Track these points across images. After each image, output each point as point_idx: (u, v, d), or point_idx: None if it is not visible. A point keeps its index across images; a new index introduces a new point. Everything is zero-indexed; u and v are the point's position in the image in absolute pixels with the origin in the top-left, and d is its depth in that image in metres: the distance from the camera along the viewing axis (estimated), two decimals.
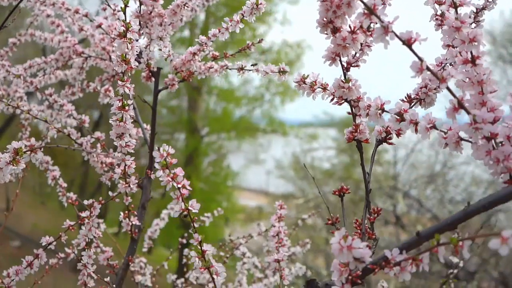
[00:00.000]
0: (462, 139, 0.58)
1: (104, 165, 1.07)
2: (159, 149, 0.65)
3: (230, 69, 1.03)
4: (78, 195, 1.14)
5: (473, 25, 0.76)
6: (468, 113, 0.54)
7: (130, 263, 1.04)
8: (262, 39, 1.08)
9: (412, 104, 0.73)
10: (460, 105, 0.54)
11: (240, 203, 11.58)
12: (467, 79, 0.58)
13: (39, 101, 1.36)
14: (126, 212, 1.02)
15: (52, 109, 1.25)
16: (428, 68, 0.53)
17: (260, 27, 11.45)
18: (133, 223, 1.03)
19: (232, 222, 10.83)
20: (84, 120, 1.15)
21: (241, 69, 1.01)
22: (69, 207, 1.04)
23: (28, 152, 0.68)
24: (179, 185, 0.66)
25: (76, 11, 1.14)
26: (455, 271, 1.15)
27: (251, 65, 1.00)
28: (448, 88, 0.54)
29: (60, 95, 1.26)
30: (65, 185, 1.16)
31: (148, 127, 1.20)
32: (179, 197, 0.67)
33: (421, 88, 0.73)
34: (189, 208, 0.67)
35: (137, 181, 0.96)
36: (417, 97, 0.73)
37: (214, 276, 0.69)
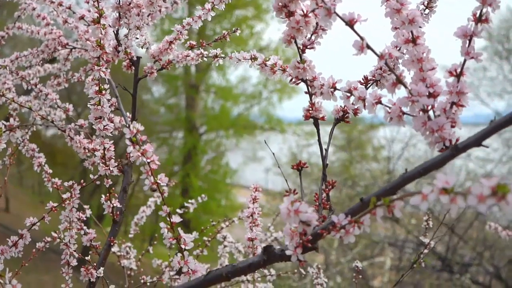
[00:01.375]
0: (404, 113, 0.62)
1: (86, 151, 1.12)
2: (129, 126, 0.70)
3: (205, 57, 1.07)
4: None
5: (427, 10, 0.81)
6: (406, 87, 0.59)
7: (112, 244, 1.09)
8: (237, 29, 1.13)
9: (369, 85, 0.78)
10: (398, 80, 0.59)
11: (238, 201, 11.62)
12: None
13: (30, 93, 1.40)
14: (107, 195, 1.06)
15: (39, 99, 1.29)
16: (368, 46, 0.58)
17: (257, 25, 11.51)
18: (115, 205, 1.07)
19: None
20: (68, 108, 1.19)
21: (215, 56, 1.05)
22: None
23: (7, 132, 0.72)
24: (149, 160, 0.71)
25: (60, 4, 1.19)
26: (426, 251, 1.20)
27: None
28: (387, 65, 0.59)
29: (46, 86, 1.30)
30: (50, 171, 1.20)
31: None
32: (148, 171, 0.72)
33: (376, 69, 0.77)
34: (158, 181, 0.72)
35: (116, 164, 1.01)
36: (373, 78, 0.77)
37: (182, 246, 0.74)
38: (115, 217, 1.09)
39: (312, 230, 0.61)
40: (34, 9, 1.29)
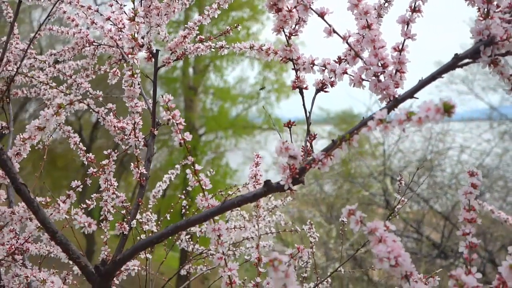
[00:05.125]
0: (363, 79, 0.86)
1: (116, 129, 1.35)
2: (162, 96, 0.94)
3: (213, 48, 1.31)
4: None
5: (386, 4, 1.05)
6: (362, 59, 0.83)
7: (139, 204, 1.33)
8: (238, 25, 1.36)
9: (342, 63, 1.02)
10: (356, 54, 0.83)
11: None
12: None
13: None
14: (136, 163, 1.30)
15: (70, 88, 1.53)
16: (334, 31, 0.82)
17: (253, 26, 11.78)
18: (142, 171, 1.31)
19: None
20: (98, 95, 1.43)
21: (221, 47, 1.29)
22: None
23: (68, 105, 0.96)
24: (177, 122, 0.95)
25: (89, 8, 1.42)
26: (399, 206, 1.43)
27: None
28: (348, 43, 0.82)
29: (77, 77, 1.54)
30: (84, 148, 1.44)
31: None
32: (177, 130, 0.95)
33: (347, 51, 1.01)
34: (185, 137, 0.96)
35: (144, 136, 1.24)
36: (345, 58, 1.01)
37: (203, 187, 0.97)
38: (141, 182, 1.33)
39: (299, 165, 0.84)
40: (64, 12, 1.53)
